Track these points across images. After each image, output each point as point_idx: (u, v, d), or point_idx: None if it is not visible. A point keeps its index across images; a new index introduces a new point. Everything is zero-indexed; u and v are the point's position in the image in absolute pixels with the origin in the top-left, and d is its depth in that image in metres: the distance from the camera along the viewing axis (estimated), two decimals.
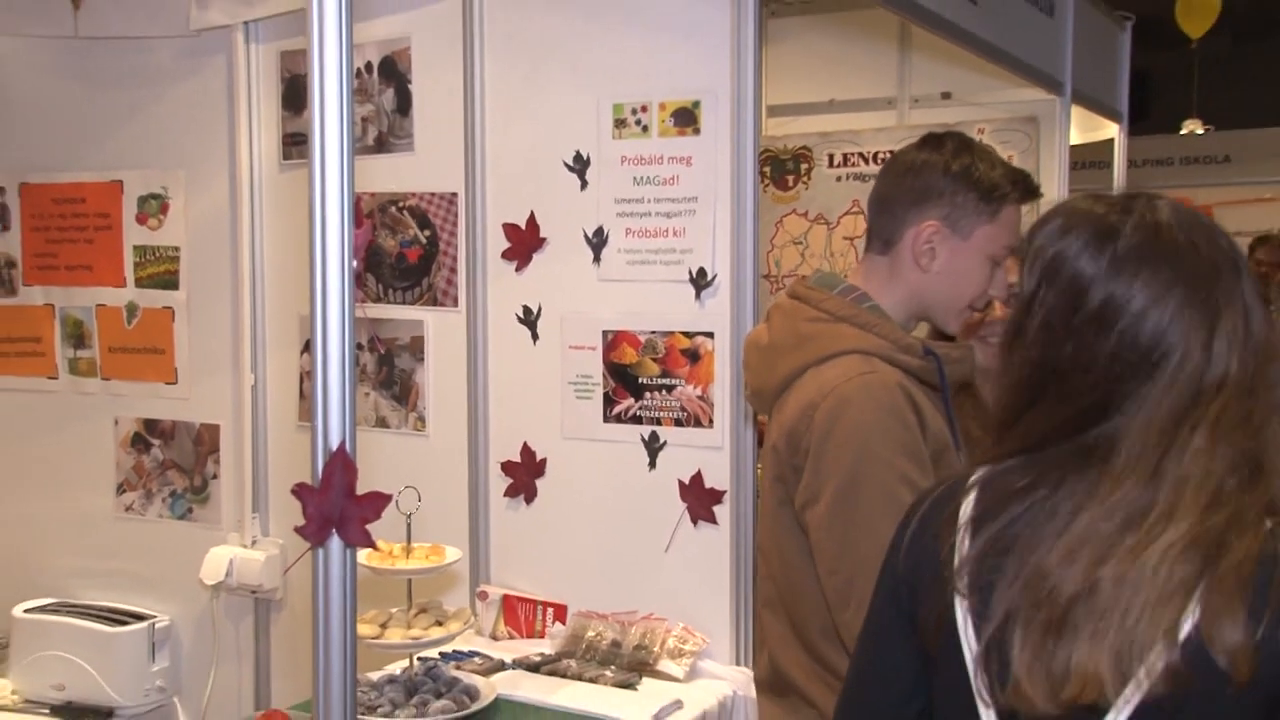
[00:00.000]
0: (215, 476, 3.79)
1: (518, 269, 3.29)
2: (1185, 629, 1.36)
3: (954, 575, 1.51)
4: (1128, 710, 1.38)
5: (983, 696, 1.47)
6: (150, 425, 3.89)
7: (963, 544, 1.53)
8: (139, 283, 3.88)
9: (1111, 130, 5.89)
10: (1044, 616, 1.40)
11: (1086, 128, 5.63)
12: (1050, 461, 1.52)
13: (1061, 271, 1.54)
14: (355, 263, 1.50)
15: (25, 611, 3.74)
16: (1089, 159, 5.84)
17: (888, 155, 4.99)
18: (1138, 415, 1.46)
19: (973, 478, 1.59)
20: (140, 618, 3.72)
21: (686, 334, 3.07)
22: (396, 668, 2.86)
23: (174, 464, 3.85)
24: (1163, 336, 1.47)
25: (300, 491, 1.47)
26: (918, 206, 2.31)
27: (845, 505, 2.12)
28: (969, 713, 1.48)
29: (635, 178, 3.11)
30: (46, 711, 3.62)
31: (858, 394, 2.15)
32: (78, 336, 3.97)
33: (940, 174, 2.30)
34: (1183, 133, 11.24)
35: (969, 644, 1.48)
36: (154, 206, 3.85)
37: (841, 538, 2.12)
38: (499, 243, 3.30)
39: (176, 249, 3.83)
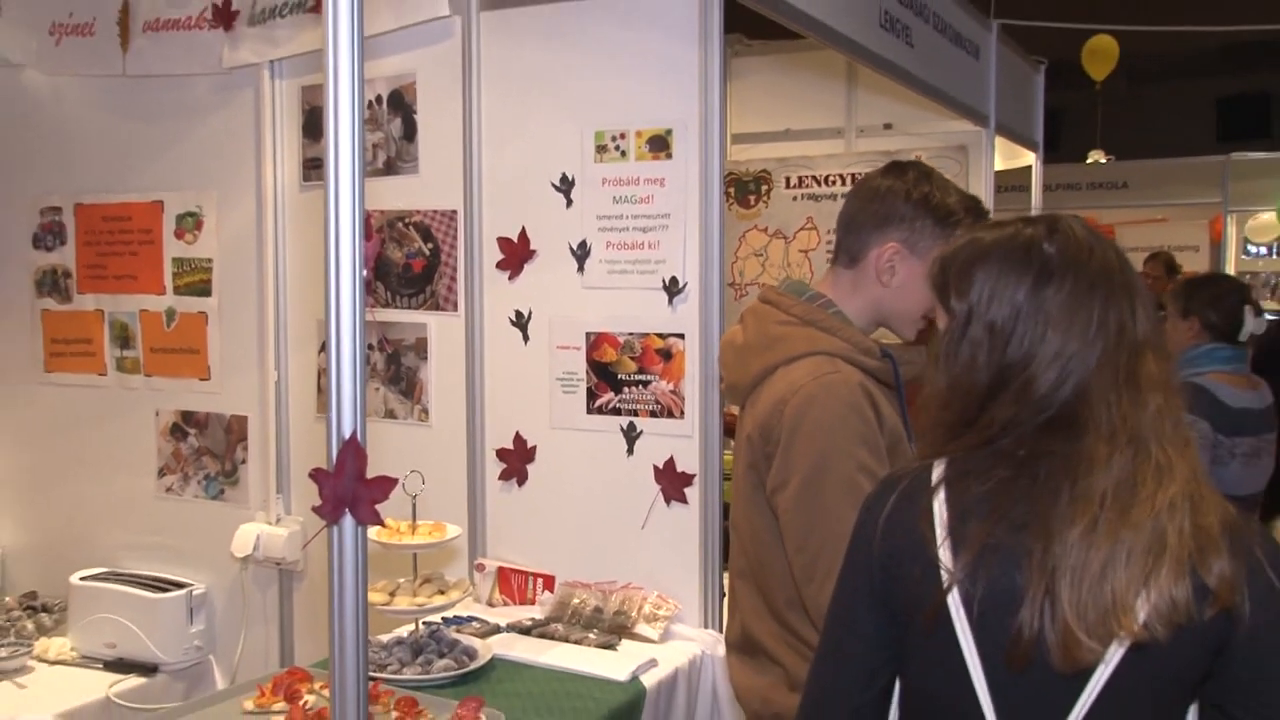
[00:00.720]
0: (244, 462, 3.72)
1: (510, 278, 3.20)
2: (1185, 579, 1.39)
3: (951, 567, 1.47)
4: (1122, 650, 1.40)
5: (978, 670, 1.46)
6: (187, 416, 3.81)
7: (948, 539, 1.49)
8: (177, 290, 3.80)
9: (1029, 158, 5.95)
10: (1082, 577, 1.39)
11: (1008, 156, 5.67)
12: (1023, 446, 1.50)
13: (993, 284, 1.54)
14: (365, 272, 1.48)
15: (81, 579, 3.67)
16: (1010, 183, 5.84)
17: (838, 178, 5.04)
18: (1096, 384, 1.47)
19: (936, 473, 1.55)
20: (179, 585, 3.64)
21: (660, 335, 2.99)
22: (404, 631, 2.79)
23: (208, 450, 3.78)
24: (1099, 321, 1.48)
25: (317, 475, 1.47)
26: (881, 229, 2.25)
27: (811, 491, 2.06)
28: (960, 683, 1.47)
29: (614, 197, 3.04)
30: (100, 666, 3.53)
31: (823, 392, 2.10)
32: (124, 338, 3.89)
33: (902, 200, 2.24)
34: (1088, 161, 11.33)
35: (963, 624, 1.46)
36: (190, 223, 3.77)
37: (808, 520, 2.07)
38: (494, 254, 3.21)
39: (210, 261, 3.75)
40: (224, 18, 3.56)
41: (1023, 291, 1.52)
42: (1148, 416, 1.45)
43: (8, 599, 3.88)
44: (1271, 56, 14.38)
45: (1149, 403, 1.46)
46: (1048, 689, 1.42)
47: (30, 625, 3.68)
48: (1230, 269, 10.38)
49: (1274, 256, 11.00)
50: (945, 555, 1.47)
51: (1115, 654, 1.39)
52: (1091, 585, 1.38)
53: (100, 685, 3.38)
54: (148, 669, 3.51)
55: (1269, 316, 4.98)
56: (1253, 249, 11.08)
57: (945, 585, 1.46)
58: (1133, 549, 1.39)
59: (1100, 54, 10.01)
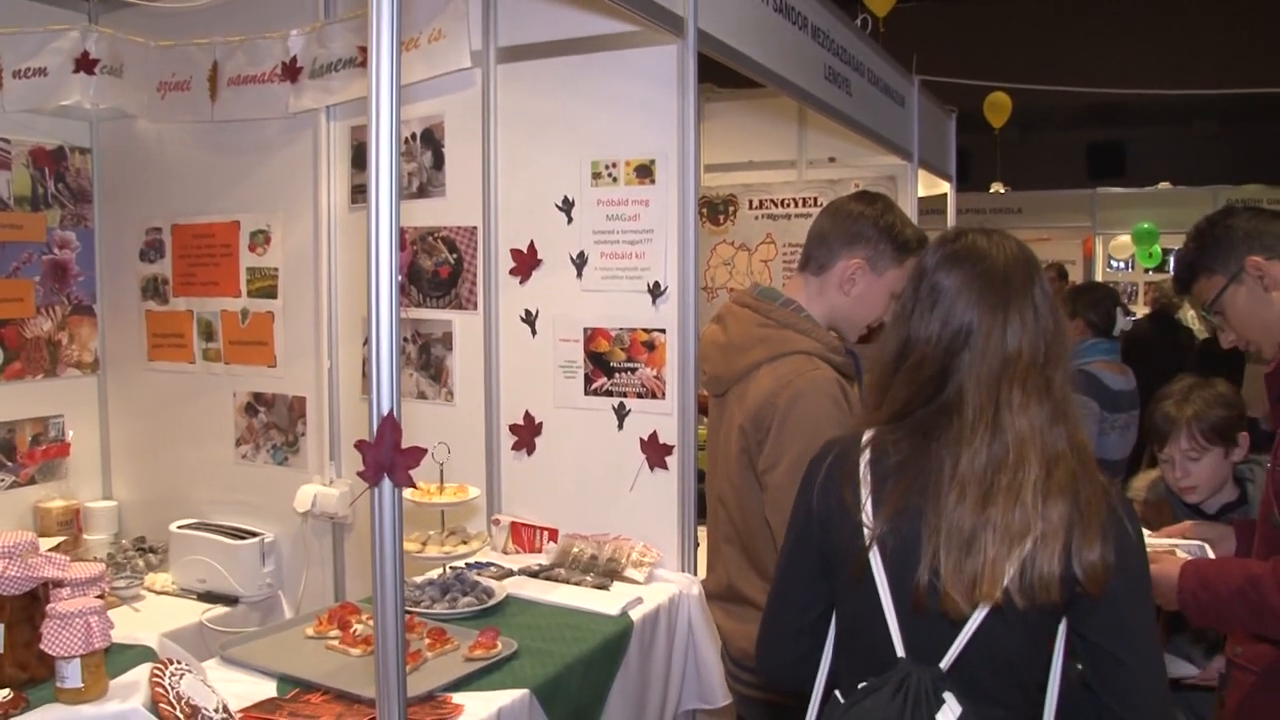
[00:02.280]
0: (303, 434, 3.57)
1: (521, 282, 3.05)
2: (1060, 555, 1.34)
3: (871, 528, 1.44)
4: (982, 614, 1.37)
5: (889, 606, 1.44)
6: (258, 396, 3.66)
7: (866, 500, 1.43)
8: (250, 294, 3.65)
9: (945, 188, 5.94)
10: (958, 544, 1.36)
11: (928, 185, 5.62)
12: (920, 426, 1.43)
13: (917, 270, 1.52)
14: (400, 278, 1.40)
15: (178, 527, 3.53)
16: (930, 208, 5.78)
17: (791, 201, 4.98)
18: (969, 379, 1.40)
19: (863, 439, 1.48)
20: (254, 534, 3.50)
21: (645, 330, 2.85)
22: (434, 574, 2.66)
23: (274, 425, 3.63)
24: (970, 318, 1.42)
25: (361, 446, 1.45)
26: (849, 245, 2.16)
27: (799, 471, 1.97)
28: (875, 617, 1.45)
29: (607, 215, 2.89)
30: (194, 597, 3.40)
31: (809, 387, 2.02)
32: (208, 333, 3.74)
33: (871, 225, 2.15)
34: (990, 191, 11.40)
35: (880, 573, 1.43)
36: (261, 239, 3.62)
37: (794, 495, 1.97)
38: (507, 263, 3.06)
39: (276, 269, 3.59)
40: (291, 73, 3.42)
41: (923, 277, 1.48)
42: (1021, 410, 1.38)
43: (124, 541, 3.76)
44: (1126, 113, 14.63)
45: (1018, 398, 1.39)
46: (937, 628, 1.40)
47: (141, 563, 3.57)
48: (1099, 279, 10.46)
49: (1130, 270, 11.26)
50: (868, 516, 1.43)
51: (983, 610, 1.37)
52: (962, 553, 1.35)
53: (195, 612, 3.27)
54: (231, 600, 3.38)
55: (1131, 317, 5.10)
56: (1115, 263, 11.34)
57: (867, 543, 1.43)
58: (1000, 525, 1.34)
59: (997, 106, 10.08)
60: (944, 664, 1.39)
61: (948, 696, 1.37)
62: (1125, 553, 1.36)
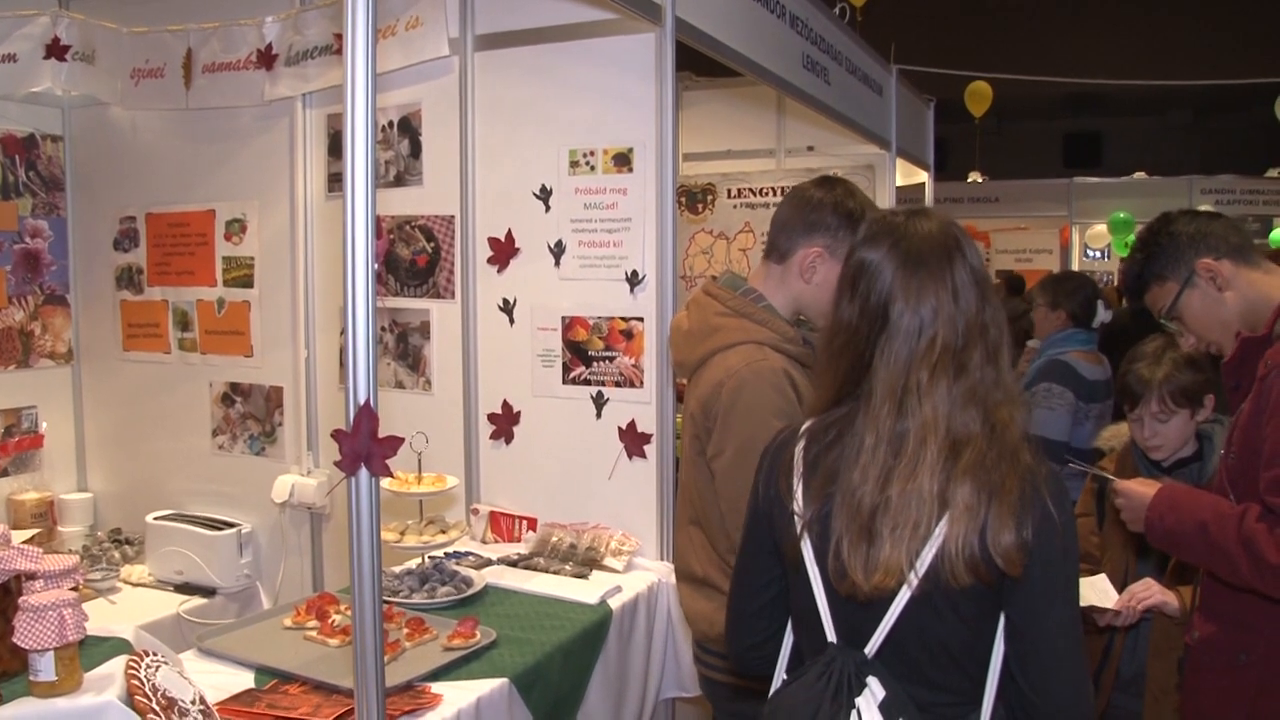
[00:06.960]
0: (280, 424, 3.54)
1: (499, 271, 3.03)
2: (974, 538, 1.32)
3: (801, 515, 1.44)
4: (910, 592, 1.35)
5: (820, 591, 1.44)
6: (234, 387, 3.63)
7: (798, 488, 1.45)
8: (226, 283, 3.61)
9: (923, 176, 5.93)
10: (858, 525, 1.36)
11: (906, 174, 5.63)
12: (845, 412, 1.43)
13: (847, 254, 1.51)
14: (377, 266, 1.42)
15: (154, 519, 3.50)
16: (908, 197, 5.77)
17: (770, 190, 4.97)
18: (882, 362, 1.39)
19: (802, 429, 1.49)
20: (231, 525, 3.47)
21: (624, 319, 2.84)
22: (412, 563, 2.65)
23: (251, 415, 3.60)
24: (884, 299, 1.40)
25: (338, 435, 1.44)
26: (808, 234, 2.12)
27: (743, 459, 1.94)
28: (811, 602, 1.46)
29: (585, 204, 2.87)
30: (171, 589, 3.37)
31: (753, 376, 2.00)
32: (184, 323, 3.70)
33: (830, 211, 2.11)
34: (969, 180, 11.42)
35: (810, 557, 1.44)
36: (236, 227, 3.58)
37: (741, 483, 1.95)
38: (485, 251, 3.05)
39: (252, 258, 3.56)
40: (266, 60, 3.38)
41: (852, 255, 1.47)
42: (927, 394, 1.36)
43: (99, 533, 3.74)
44: (1102, 104, 14.71)
45: (925, 381, 1.36)
46: (866, 613, 1.40)
47: (117, 555, 3.54)
48: (1075, 268, 10.52)
49: (1106, 259, 11.33)
50: (799, 504, 1.44)
51: (905, 595, 1.35)
52: (862, 537, 1.35)
53: (171, 604, 3.24)
54: (208, 592, 3.36)
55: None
56: (1091, 252, 11.36)
57: (798, 532, 1.44)
58: (896, 507, 1.33)
59: (978, 96, 10.10)
60: (869, 649, 1.40)
61: (871, 681, 1.37)
62: (1044, 535, 1.33)
